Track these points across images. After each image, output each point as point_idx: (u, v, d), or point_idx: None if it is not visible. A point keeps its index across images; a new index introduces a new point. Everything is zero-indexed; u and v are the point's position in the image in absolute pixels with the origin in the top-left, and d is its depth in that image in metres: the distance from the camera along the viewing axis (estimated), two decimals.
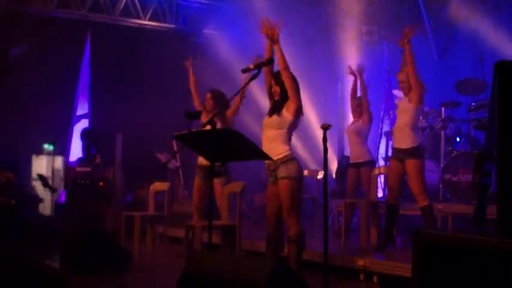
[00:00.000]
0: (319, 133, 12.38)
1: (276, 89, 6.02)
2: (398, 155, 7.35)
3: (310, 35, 13.78)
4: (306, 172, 9.99)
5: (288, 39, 13.47)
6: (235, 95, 5.31)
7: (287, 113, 5.96)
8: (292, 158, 6.00)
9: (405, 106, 7.35)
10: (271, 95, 6.13)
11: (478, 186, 3.01)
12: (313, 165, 12.45)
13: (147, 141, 12.29)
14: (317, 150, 12.69)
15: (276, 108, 6.00)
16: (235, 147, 4.81)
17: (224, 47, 13.87)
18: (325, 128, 5.44)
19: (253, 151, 4.88)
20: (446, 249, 2.77)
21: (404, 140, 7.28)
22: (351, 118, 10.07)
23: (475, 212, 3.10)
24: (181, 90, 14.11)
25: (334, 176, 12.08)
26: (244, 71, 5.47)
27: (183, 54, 14.25)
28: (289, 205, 5.93)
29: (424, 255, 2.86)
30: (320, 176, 11.72)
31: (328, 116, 13.26)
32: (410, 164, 7.21)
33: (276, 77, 6.04)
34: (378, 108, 11.39)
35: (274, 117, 5.98)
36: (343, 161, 11.68)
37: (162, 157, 11.82)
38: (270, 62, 5.51)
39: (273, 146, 5.91)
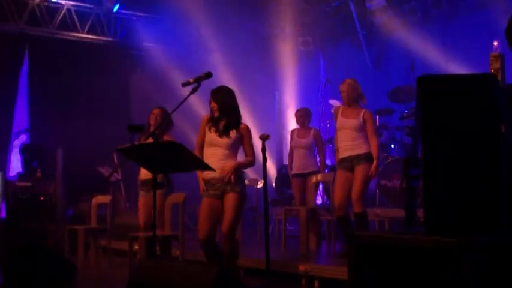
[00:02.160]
0: (258, 143, 12.57)
1: (214, 105, 6.20)
2: (348, 164, 7.44)
3: (248, 46, 13.99)
4: (246, 181, 10.18)
5: (226, 51, 13.74)
6: (176, 108, 5.43)
7: (238, 135, 6.16)
8: (242, 174, 6.24)
9: (357, 126, 7.42)
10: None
11: (406, 189, 3.23)
12: (252, 175, 12.63)
13: (87, 154, 12.26)
14: (257, 159, 12.85)
15: (225, 130, 6.17)
16: (177, 159, 4.95)
17: (163, 59, 13.95)
18: (264, 138, 5.64)
19: (194, 162, 5.04)
20: (378, 249, 2.98)
21: (356, 147, 7.40)
22: (289, 127, 10.31)
23: (405, 214, 3.32)
24: (120, 104, 14.21)
25: (274, 184, 12.29)
26: (184, 84, 5.61)
27: (122, 67, 14.42)
28: (231, 219, 6.08)
29: (358, 256, 3.07)
30: (260, 185, 11.93)
31: (266, 125, 13.49)
32: (360, 168, 7.35)
33: (214, 93, 6.22)
34: (314, 117, 11.65)
35: (226, 138, 6.14)
36: (282, 170, 11.92)
37: (103, 170, 11.84)
38: (209, 76, 5.66)
39: (226, 163, 6.09)
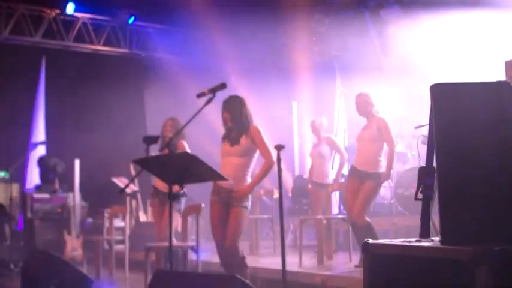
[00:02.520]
0: (275, 152, 12.56)
1: (227, 115, 6.23)
2: (359, 175, 7.53)
3: (264, 56, 14.01)
4: (262, 192, 10.19)
5: (242, 61, 13.77)
6: (191, 119, 5.45)
7: (248, 141, 6.17)
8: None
9: (372, 136, 7.53)
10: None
11: (422, 198, 3.21)
12: (269, 185, 12.62)
13: (104, 166, 12.34)
14: (273, 170, 12.85)
15: (236, 138, 6.20)
16: (192, 170, 4.96)
17: (178, 70, 13.98)
18: (279, 148, 5.63)
19: (209, 173, 5.05)
20: (393, 258, 2.97)
21: (370, 165, 7.49)
22: (307, 138, 10.34)
23: (421, 223, 3.30)
24: (135, 115, 14.28)
25: (290, 194, 12.27)
26: (199, 95, 5.63)
27: (138, 79, 14.50)
28: (234, 232, 6.11)
29: (373, 265, 3.06)
30: (276, 195, 11.90)
31: (283, 135, 13.47)
32: (367, 185, 7.44)
33: (225, 104, 6.27)
34: (331, 127, 11.67)
35: (237, 146, 6.17)
36: (298, 180, 11.90)
37: (119, 181, 11.89)
38: (223, 86, 5.68)
39: (236, 173, 6.14)
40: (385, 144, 7.51)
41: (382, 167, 7.47)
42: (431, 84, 2.95)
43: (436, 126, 2.83)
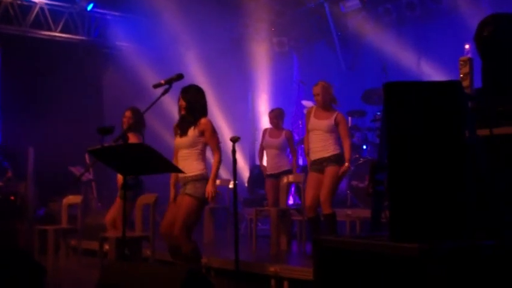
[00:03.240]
0: (231, 143, 12.60)
1: (182, 103, 6.22)
2: (319, 166, 7.46)
3: (222, 46, 13.98)
4: (218, 181, 10.16)
5: (200, 50, 13.73)
6: (147, 109, 5.43)
7: (196, 133, 6.17)
8: (203, 178, 6.20)
9: (328, 127, 7.44)
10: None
11: (373, 194, 3.25)
12: (225, 175, 12.64)
13: (59, 154, 12.18)
14: (229, 160, 12.87)
15: (184, 129, 6.21)
16: (146, 161, 4.94)
17: (137, 58, 13.88)
18: (234, 140, 5.65)
19: (163, 164, 5.04)
20: (342, 253, 3.00)
21: (326, 150, 7.42)
22: (262, 128, 10.35)
23: (371, 218, 3.34)
24: (93, 103, 14.14)
25: (246, 184, 12.31)
26: (155, 86, 5.60)
27: (96, 66, 14.35)
28: (182, 222, 6.09)
29: (323, 260, 3.09)
30: (232, 185, 11.93)
31: (240, 125, 13.50)
32: (330, 169, 7.36)
33: (183, 92, 6.25)
34: (288, 118, 11.68)
35: (184, 138, 6.17)
36: (254, 170, 11.93)
37: (75, 170, 11.76)
38: (180, 77, 5.66)
39: (187, 163, 6.13)
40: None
41: (339, 149, 7.43)
42: (388, 78, 2.99)
43: (388, 124, 2.86)
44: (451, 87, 2.84)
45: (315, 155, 7.53)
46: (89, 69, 14.07)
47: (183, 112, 6.28)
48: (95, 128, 5.31)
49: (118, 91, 13.66)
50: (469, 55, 6.12)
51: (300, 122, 12.06)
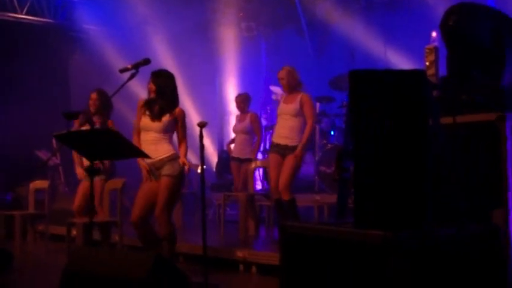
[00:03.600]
0: (196, 129, 12.59)
1: (152, 86, 6.23)
2: (281, 150, 7.51)
3: (189, 30, 13.92)
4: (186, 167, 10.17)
5: (168, 34, 13.66)
6: (114, 94, 5.40)
7: (170, 120, 6.18)
8: (177, 157, 6.24)
9: (294, 111, 7.48)
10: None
11: (339, 180, 3.29)
12: (194, 160, 12.63)
13: (26, 139, 12.08)
14: (197, 145, 12.89)
15: (157, 114, 6.20)
16: (113, 146, 4.94)
17: (104, 42, 13.77)
18: (202, 125, 5.65)
19: (130, 149, 5.04)
20: (308, 240, 3.04)
21: (291, 139, 7.47)
22: (230, 112, 10.38)
23: (337, 205, 3.38)
24: (59, 87, 14.01)
25: (214, 169, 12.32)
26: (121, 71, 5.57)
27: (62, 50, 14.20)
28: (164, 203, 6.14)
29: (289, 246, 3.13)
30: (199, 170, 11.93)
31: (207, 110, 13.50)
32: (290, 158, 7.40)
33: (154, 75, 6.25)
34: (256, 103, 11.71)
35: (157, 123, 6.16)
36: (222, 155, 11.95)
37: (42, 155, 11.68)
38: (147, 62, 5.65)
39: (158, 147, 6.15)
40: None
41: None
42: (356, 65, 3.03)
43: (352, 112, 2.90)
44: (415, 76, 2.88)
45: (279, 140, 7.58)
46: (55, 52, 13.93)
47: (151, 95, 6.27)
48: (62, 112, 5.30)
49: (85, 75, 13.55)
50: (436, 43, 6.17)
51: (268, 108, 12.09)
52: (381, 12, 11.99)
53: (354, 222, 2.90)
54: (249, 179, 8.82)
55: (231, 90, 14.04)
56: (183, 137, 6.35)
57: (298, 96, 7.50)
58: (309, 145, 7.71)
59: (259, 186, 10.79)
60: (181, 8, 13.14)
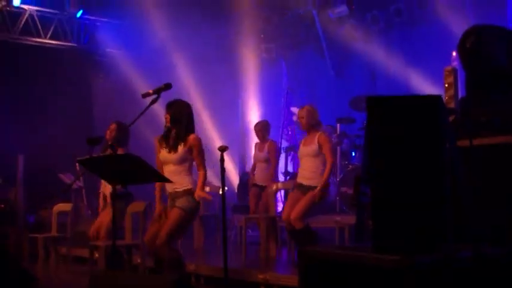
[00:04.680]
0: (217, 154, 12.63)
1: (167, 116, 6.29)
2: (304, 190, 7.62)
3: (210, 53, 14.01)
4: (208, 188, 10.21)
5: (189, 57, 13.77)
6: (135, 120, 5.46)
7: (185, 149, 6.23)
8: (192, 192, 6.29)
9: (314, 152, 7.59)
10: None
11: (357, 205, 3.31)
12: (216, 182, 12.67)
13: (50, 161, 12.20)
14: (219, 168, 12.95)
15: (173, 145, 6.26)
16: (134, 171, 4.99)
17: (127, 65, 13.90)
18: (222, 149, 5.69)
19: (151, 174, 5.09)
20: (326, 264, 3.06)
21: (315, 180, 7.55)
22: (252, 135, 10.41)
23: (355, 229, 3.39)
24: (83, 110, 14.15)
25: (236, 191, 12.34)
26: (144, 95, 5.64)
27: (86, 73, 14.37)
28: (168, 233, 6.13)
29: (307, 271, 3.14)
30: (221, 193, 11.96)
31: (229, 132, 13.54)
32: (310, 193, 7.50)
33: (168, 105, 6.34)
34: (276, 124, 11.75)
35: (174, 154, 6.23)
36: (244, 177, 11.98)
37: (65, 178, 11.79)
38: (168, 87, 5.70)
39: (177, 178, 6.21)
40: None
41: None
42: (376, 85, 3.05)
43: (369, 138, 2.92)
44: (431, 101, 2.90)
45: (302, 180, 7.71)
46: (78, 75, 14.10)
47: (167, 124, 6.33)
48: (85, 135, 5.38)
49: (108, 98, 13.71)
50: (456, 62, 6.17)
51: (289, 129, 12.11)
52: (401, 31, 12.02)
53: (372, 246, 2.91)
54: (269, 201, 8.82)
55: (252, 111, 14.09)
56: (200, 164, 6.33)
57: (316, 137, 7.57)
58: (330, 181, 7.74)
59: (280, 208, 10.79)
60: (203, 30, 13.26)
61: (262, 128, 9.67)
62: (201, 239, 10.02)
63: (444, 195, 2.87)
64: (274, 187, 8.77)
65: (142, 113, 5.39)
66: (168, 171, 6.25)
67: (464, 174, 3.27)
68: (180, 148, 6.23)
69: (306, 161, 7.69)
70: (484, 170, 3.69)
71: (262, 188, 9.34)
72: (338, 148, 10.12)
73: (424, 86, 10.69)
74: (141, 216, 7.41)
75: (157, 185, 6.45)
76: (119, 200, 6.98)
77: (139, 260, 7.50)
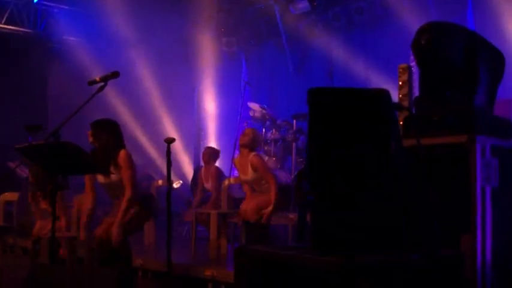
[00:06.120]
0: (177, 143, 12.43)
1: (90, 138, 6.13)
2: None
3: (169, 43, 13.79)
4: (160, 182, 10.02)
5: (148, 47, 13.55)
6: (81, 107, 5.23)
7: (117, 170, 6.03)
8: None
9: (252, 178, 7.56)
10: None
11: (299, 203, 3.16)
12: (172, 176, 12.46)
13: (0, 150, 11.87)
14: (175, 160, 12.81)
15: (105, 169, 5.99)
16: (72, 160, 4.79)
17: (83, 53, 13.59)
18: (169, 142, 5.52)
19: (89, 165, 4.91)
20: (264, 264, 2.91)
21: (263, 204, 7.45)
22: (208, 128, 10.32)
23: (297, 228, 3.25)
24: (37, 98, 13.81)
25: (190, 185, 12.16)
26: (90, 83, 5.45)
27: (41, 60, 14.02)
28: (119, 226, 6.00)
29: (243, 270, 2.99)
30: (176, 185, 11.82)
31: (185, 125, 13.39)
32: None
33: (92, 125, 6.17)
34: (234, 119, 11.61)
35: (107, 179, 6.06)
36: (198, 171, 11.79)
37: (14, 166, 11.46)
38: (116, 75, 5.50)
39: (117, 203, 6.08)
40: None
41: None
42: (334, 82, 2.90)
43: (310, 132, 2.77)
44: (377, 95, 2.75)
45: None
46: (34, 62, 13.74)
47: (95, 144, 6.15)
48: (39, 123, 5.18)
49: (63, 86, 13.37)
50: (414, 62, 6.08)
51: (245, 124, 11.95)
52: (362, 30, 11.95)
53: (311, 246, 2.76)
54: (222, 196, 8.65)
55: (209, 104, 13.96)
56: (128, 183, 6.02)
57: (248, 160, 7.51)
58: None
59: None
60: (162, 21, 13.04)
61: (209, 153, 9.71)
62: (152, 234, 9.80)
63: (387, 195, 2.73)
64: (227, 182, 8.59)
65: (87, 102, 5.19)
66: (111, 191, 6.14)
67: (412, 174, 3.14)
68: (113, 171, 6.00)
69: (249, 187, 7.72)
70: (434, 171, 3.57)
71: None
72: (293, 144, 10.00)
73: (383, 85, 10.58)
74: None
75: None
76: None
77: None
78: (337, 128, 2.74)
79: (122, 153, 6.03)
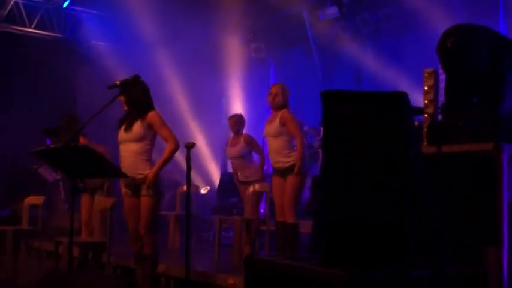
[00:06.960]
0: (204, 149, 12.36)
1: (122, 98, 5.97)
2: (279, 172, 7.35)
3: (198, 48, 13.76)
4: (185, 187, 9.90)
5: (174, 55, 13.54)
6: (102, 109, 5.17)
7: (143, 126, 5.92)
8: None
9: (275, 131, 7.34)
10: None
11: (313, 212, 3.05)
12: (197, 181, 12.42)
13: (26, 154, 11.89)
14: (202, 166, 12.77)
15: (129, 123, 5.94)
16: (90, 164, 4.73)
17: (111, 57, 13.61)
18: (189, 147, 5.42)
19: (107, 169, 4.83)
20: (272, 273, 2.80)
21: (282, 159, 7.29)
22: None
23: (311, 238, 3.14)
24: (66, 101, 13.85)
25: (216, 191, 12.12)
26: (110, 87, 5.43)
27: (70, 64, 14.07)
28: (146, 222, 5.93)
29: (253, 279, 2.88)
30: (203, 191, 11.75)
31: (213, 131, 13.34)
32: (290, 180, 7.15)
33: (121, 86, 5.91)
34: (261, 125, 11.50)
35: (129, 133, 5.92)
36: (224, 178, 11.73)
37: (42, 171, 11.48)
38: (136, 78, 5.45)
39: (134, 162, 5.89)
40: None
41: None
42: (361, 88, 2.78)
43: (325, 137, 2.65)
44: (394, 99, 2.63)
45: (274, 165, 7.44)
46: (63, 66, 13.81)
47: (124, 108, 6.04)
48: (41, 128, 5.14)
49: (91, 90, 13.39)
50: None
51: None
52: (390, 36, 11.81)
53: (322, 258, 2.63)
54: (246, 203, 8.51)
55: (237, 110, 13.86)
56: (168, 135, 5.98)
57: (279, 114, 7.35)
58: (306, 162, 7.43)
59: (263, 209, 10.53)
60: (190, 26, 13.01)
61: (236, 121, 9.25)
62: (176, 239, 9.73)
63: (402, 206, 2.59)
64: (251, 189, 8.43)
65: (107, 105, 5.15)
66: (125, 150, 5.96)
67: (431, 183, 3.00)
68: (137, 126, 5.91)
69: (269, 141, 7.44)
70: (457, 178, 3.42)
71: (246, 183, 8.82)
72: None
73: (412, 92, 10.41)
74: (108, 212, 7.13)
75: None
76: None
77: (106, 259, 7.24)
78: (352, 133, 2.62)
79: (153, 113, 5.97)
